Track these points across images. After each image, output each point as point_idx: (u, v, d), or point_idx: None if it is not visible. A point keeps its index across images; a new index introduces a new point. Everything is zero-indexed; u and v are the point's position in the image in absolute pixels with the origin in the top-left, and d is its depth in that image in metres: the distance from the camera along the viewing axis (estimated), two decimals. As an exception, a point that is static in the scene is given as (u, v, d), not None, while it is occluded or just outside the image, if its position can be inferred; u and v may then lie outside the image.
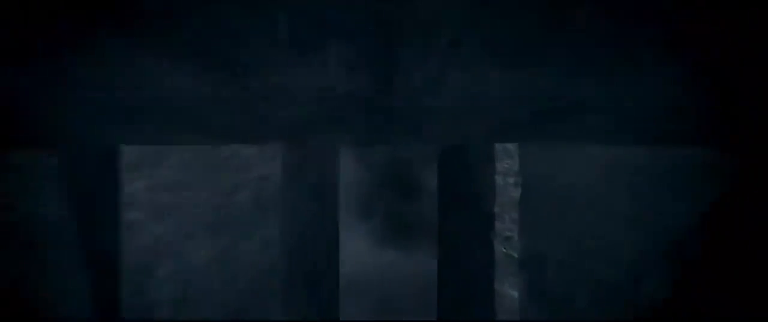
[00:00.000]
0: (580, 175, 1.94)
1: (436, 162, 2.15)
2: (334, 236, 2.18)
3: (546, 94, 1.81)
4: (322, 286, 2.13)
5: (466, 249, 2.09)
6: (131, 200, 1.91)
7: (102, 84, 1.74)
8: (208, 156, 1.94)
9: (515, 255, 1.96)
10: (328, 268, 2.18)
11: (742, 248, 1.83)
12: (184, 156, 1.93)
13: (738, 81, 1.61)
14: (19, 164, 1.86)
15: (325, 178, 2.15)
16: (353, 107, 1.77)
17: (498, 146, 1.97)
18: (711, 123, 1.76)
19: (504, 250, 1.96)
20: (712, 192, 1.87)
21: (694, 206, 1.89)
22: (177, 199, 1.93)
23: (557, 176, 1.95)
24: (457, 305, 2.12)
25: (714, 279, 1.86)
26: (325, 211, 2.14)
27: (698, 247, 1.88)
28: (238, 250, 1.97)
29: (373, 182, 2.16)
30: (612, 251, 1.94)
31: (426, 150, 2.15)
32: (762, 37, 1.52)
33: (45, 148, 1.88)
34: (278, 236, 1.99)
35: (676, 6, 1.53)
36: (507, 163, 1.97)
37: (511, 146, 1.95)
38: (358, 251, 2.12)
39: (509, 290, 1.96)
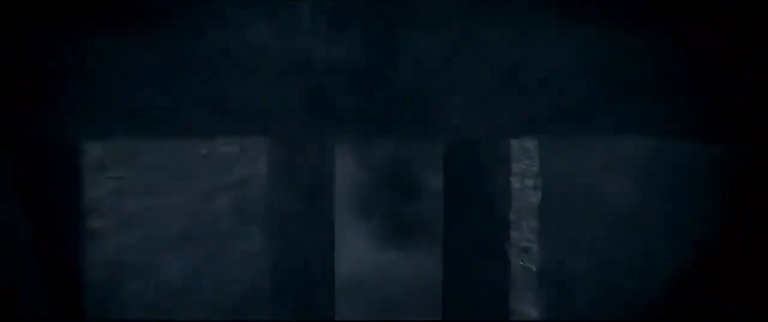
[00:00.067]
0: (609, 177, 1.75)
1: (438, 161, 2.05)
2: (330, 242, 2.04)
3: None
4: (315, 297, 2.00)
5: (476, 261, 1.94)
6: (95, 206, 1.72)
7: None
8: (183, 156, 1.75)
9: (534, 269, 1.76)
10: (323, 277, 2.06)
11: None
12: (155, 157, 1.72)
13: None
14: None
15: (318, 178, 2.01)
16: (339, 84, 1.54)
17: (515, 144, 1.78)
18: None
19: (521, 262, 1.79)
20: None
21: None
22: (147, 205, 1.72)
23: (580, 177, 1.76)
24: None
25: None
26: (319, 215, 2.01)
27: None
28: (218, 263, 1.78)
29: (372, 182, 2.09)
30: (646, 265, 1.74)
31: (428, 149, 2.06)
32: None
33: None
34: (263, 246, 1.81)
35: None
36: (525, 163, 1.79)
37: (531, 144, 1.78)
38: (358, 251, 2.06)
39: (528, 309, 1.79)
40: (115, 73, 1.67)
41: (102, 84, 1.68)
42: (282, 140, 1.86)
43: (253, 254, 1.81)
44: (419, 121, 1.83)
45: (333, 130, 1.84)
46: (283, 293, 1.90)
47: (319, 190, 2.03)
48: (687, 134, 1.76)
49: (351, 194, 2.10)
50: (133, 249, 1.74)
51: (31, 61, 1.65)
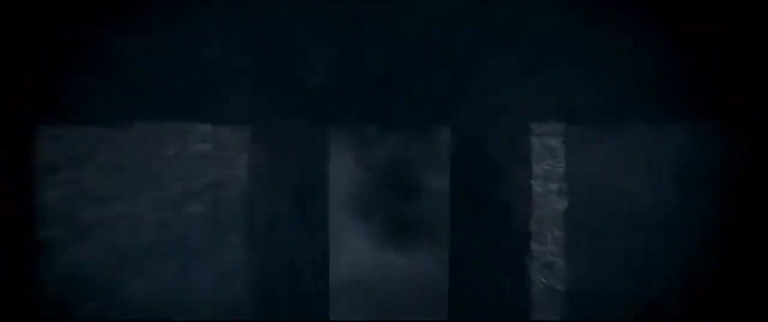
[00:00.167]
0: (643, 179, 1.49)
1: (439, 160, 1.93)
2: (324, 252, 1.91)
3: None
4: (305, 313, 1.85)
5: (489, 278, 1.72)
6: (46, 214, 1.47)
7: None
8: (146, 156, 1.49)
9: (560, 288, 1.51)
10: (314, 290, 1.88)
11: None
12: (114, 156, 1.47)
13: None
14: None
15: (311, 179, 1.84)
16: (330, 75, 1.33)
17: (536, 142, 1.52)
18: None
19: (543, 280, 1.54)
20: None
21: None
22: (106, 212, 1.47)
23: (613, 179, 1.51)
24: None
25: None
26: (311, 221, 1.85)
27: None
28: (190, 279, 1.52)
29: (372, 183, 2.00)
30: (692, 282, 1.49)
31: (428, 149, 1.96)
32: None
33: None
34: (245, 258, 1.55)
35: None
36: (548, 163, 1.55)
37: (555, 142, 1.51)
38: (358, 251, 1.98)
39: (552, 335, 1.53)
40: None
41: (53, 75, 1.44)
42: (264, 137, 1.63)
43: (233, 268, 1.57)
44: (420, 113, 1.60)
45: (324, 124, 1.61)
46: (268, 312, 1.67)
47: (312, 192, 1.83)
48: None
49: (350, 194, 1.98)
50: (92, 263, 1.50)
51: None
